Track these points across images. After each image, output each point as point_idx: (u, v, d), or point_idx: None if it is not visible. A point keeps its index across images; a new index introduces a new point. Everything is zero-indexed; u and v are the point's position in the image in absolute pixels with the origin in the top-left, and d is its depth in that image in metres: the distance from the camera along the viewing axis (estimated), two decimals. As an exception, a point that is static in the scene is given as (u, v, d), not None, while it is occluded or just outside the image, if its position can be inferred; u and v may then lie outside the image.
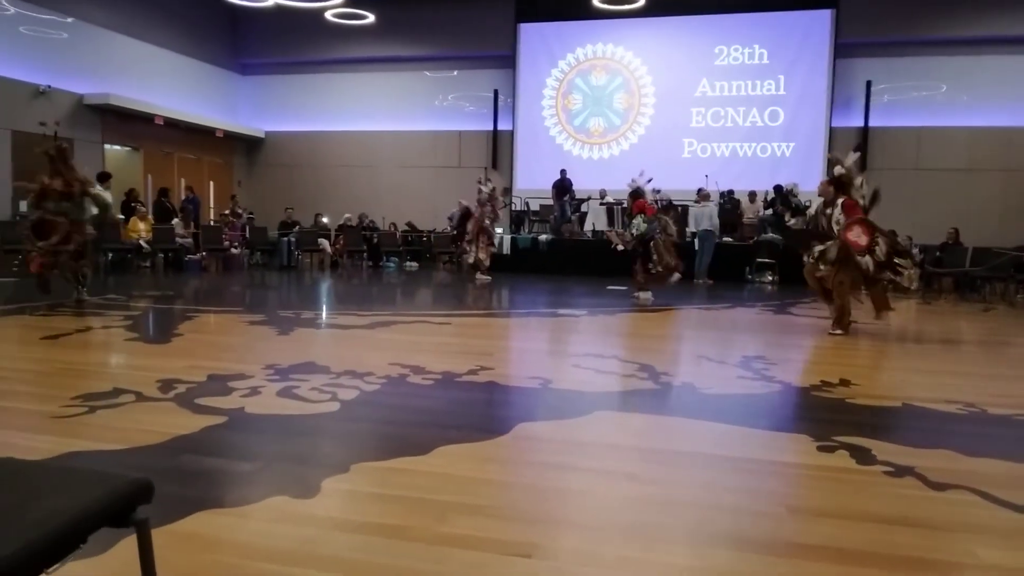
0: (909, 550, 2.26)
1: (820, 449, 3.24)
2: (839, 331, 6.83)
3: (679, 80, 16.47)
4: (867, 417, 3.88)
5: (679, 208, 13.84)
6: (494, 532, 2.29)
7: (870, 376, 5.00)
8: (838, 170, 6.95)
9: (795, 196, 13.68)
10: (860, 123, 15.74)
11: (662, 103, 16.65)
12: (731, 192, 14.70)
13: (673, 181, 15.75)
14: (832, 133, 15.72)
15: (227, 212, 15.87)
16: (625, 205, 11.75)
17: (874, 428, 3.62)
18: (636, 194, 9.96)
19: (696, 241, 12.79)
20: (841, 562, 2.16)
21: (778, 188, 13.95)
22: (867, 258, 6.59)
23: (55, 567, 1.26)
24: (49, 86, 13.70)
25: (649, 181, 10.27)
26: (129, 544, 1.84)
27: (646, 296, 9.45)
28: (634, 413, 3.87)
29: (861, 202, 6.81)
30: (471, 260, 12.33)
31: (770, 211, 13.83)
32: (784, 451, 3.24)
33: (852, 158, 7.16)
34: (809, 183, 14.47)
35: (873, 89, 15.61)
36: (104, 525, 1.36)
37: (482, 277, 12.14)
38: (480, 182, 12.51)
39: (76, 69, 14.34)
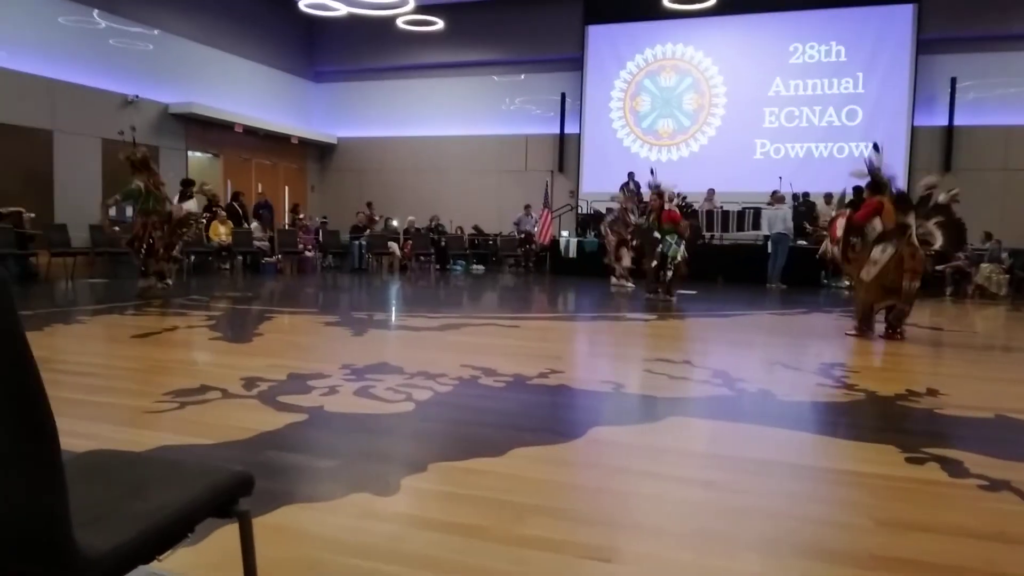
0: (1007, 567, 2.15)
1: (908, 461, 3.12)
2: (854, 333, 6.85)
3: (751, 79, 16.13)
4: (958, 428, 3.72)
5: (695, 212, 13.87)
6: (572, 535, 2.30)
7: (959, 386, 4.79)
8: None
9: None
10: (944, 122, 15.09)
11: (733, 103, 16.34)
12: (806, 194, 14.30)
13: (745, 183, 15.48)
14: (914, 132, 15.13)
15: (300, 216, 16.36)
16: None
17: (965, 440, 3.46)
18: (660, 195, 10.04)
19: (769, 244, 12.49)
20: (934, 578, 2.08)
21: (857, 189, 13.46)
22: (834, 248, 7.15)
23: (166, 554, 1.33)
24: (137, 96, 14.40)
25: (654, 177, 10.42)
26: (224, 533, 1.93)
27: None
28: (710, 419, 3.81)
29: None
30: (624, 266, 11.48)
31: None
32: (869, 462, 3.13)
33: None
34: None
35: (958, 86, 14.94)
36: (209, 516, 1.43)
37: (624, 284, 11.46)
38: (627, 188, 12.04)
39: (162, 79, 15.03)
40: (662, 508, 2.58)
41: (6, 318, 1.07)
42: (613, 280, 11.62)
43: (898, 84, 15.24)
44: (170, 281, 8.77)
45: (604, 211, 13.59)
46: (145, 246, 8.47)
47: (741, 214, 14.40)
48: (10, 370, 1.08)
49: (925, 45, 15.09)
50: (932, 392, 4.47)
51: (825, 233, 8.38)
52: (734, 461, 3.11)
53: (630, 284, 11.26)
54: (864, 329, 6.81)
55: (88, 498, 1.34)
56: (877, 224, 6.65)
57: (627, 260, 11.35)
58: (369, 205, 16.82)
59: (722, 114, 16.50)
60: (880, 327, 6.82)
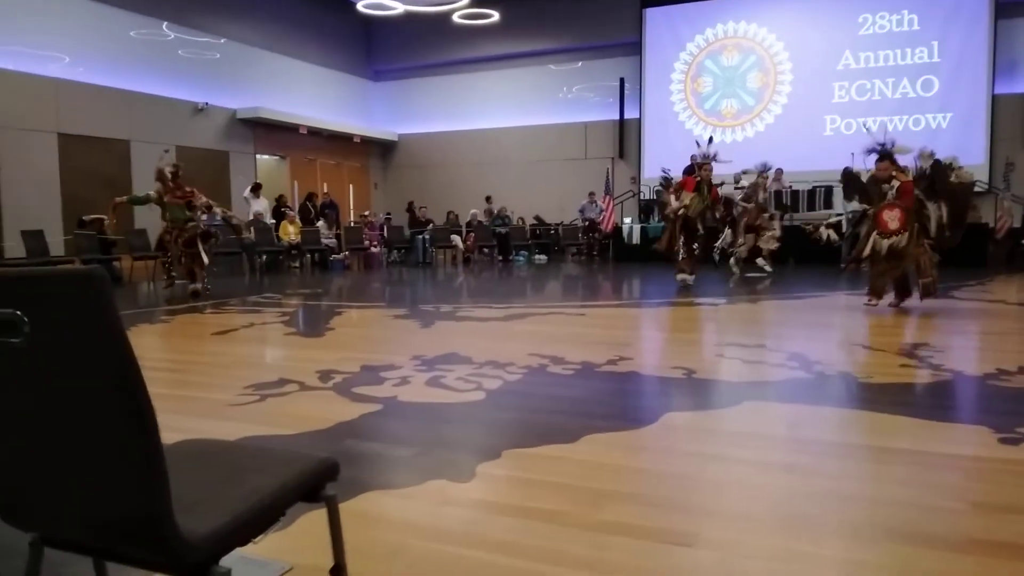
0: (1120, 553, 2.03)
1: (1002, 441, 2.97)
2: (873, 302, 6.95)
3: (819, 54, 15.59)
4: (1055, 408, 3.52)
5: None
6: (651, 520, 2.27)
7: (1054, 363, 4.53)
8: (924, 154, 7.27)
9: (954, 170, 12.58)
10: (1027, 88, 14.28)
11: (800, 79, 15.84)
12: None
13: (815, 161, 14.99)
14: (995, 101, 14.36)
15: (366, 214, 16.67)
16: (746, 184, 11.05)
17: (1065, 420, 3.28)
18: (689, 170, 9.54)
19: (844, 223, 12.04)
20: (1039, 563, 1.97)
21: (935, 163, 12.87)
22: (884, 242, 6.85)
23: (260, 538, 1.37)
24: (207, 103, 14.91)
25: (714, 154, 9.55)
26: (309, 518, 1.99)
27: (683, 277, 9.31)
28: (788, 403, 3.71)
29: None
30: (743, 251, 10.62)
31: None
32: (960, 443, 3.00)
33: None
34: (970, 156, 13.29)
35: (1042, 49, 14.11)
36: (298, 500, 1.47)
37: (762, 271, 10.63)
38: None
39: (229, 86, 15.52)
40: (743, 493, 2.52)
41: (106, 312, 1.12)
42: (734, 266, 10.65)
43: (976, 51, 14.48)
44: (199, 285, 9.10)
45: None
46: (169, 252, 9.21)
47: (812, 193, 13.95)
48: (114, 364, 1.13)
49: (1004, 8, 14.28)
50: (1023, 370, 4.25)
51: None
52: (816, 445, 3.02)
53: (768, 269, 10.52)
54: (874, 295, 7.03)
55: (185, 485, 1.39)
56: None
57: (749, 244, 10.57)
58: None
59: (788, 91, 16.01)
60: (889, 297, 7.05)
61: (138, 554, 1.29)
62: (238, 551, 1.38)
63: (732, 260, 10.66)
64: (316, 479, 1.50)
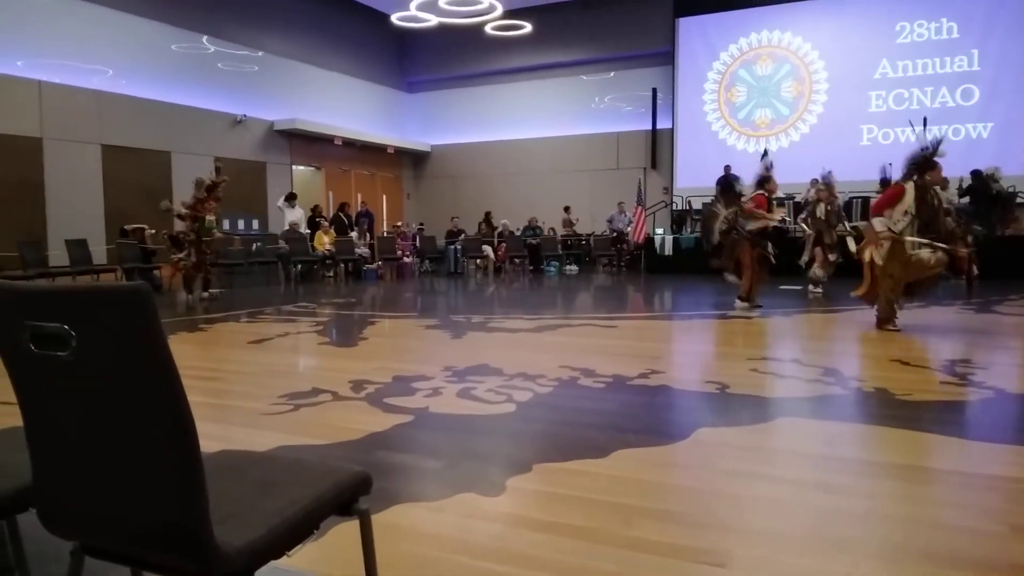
0: None
1: (1047, 463, 2.89)
2: (889, 327, 6.47)
3: (855, 62, 15.39)
4: (1103, 428, 3.42)
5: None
6: (683, 539, 2.25)
7: (1102, 382, 4.40)
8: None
9: (996, 181, 12.31)
10: (1070, 95, 13.92)
11: (836, 89, 15.64)
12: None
13: (852, 172, 14.77)
14: (1038, 109, 14.02)
15: (399, 224, 16.81)
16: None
17: (1113, 441, 3.18)
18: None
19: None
20: (1086, 591, 1.92)
21: (976, 173, 12.60)
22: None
23: (295, 550, 1.39)
24: (245, 115, 15.19)
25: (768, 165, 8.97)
26: (340, 531, 2.01)
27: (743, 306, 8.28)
28: (823, 420, 3.65)
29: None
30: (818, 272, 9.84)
31: (967, 199, 12.50)
32: (1002, 464, 2.92)
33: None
34: (1013, 166, 12.99)
35: (1088, 56, 13.75)
36: (333, 513, 1.49)
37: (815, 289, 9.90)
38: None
39: (266, 98, 15.81)
40: (777, 512, 2.49)
41: (151, 328, 1.16)
42: (811, 284, 9.98)
43: (1017, 59, 14.17)
44: (205, 294, 9.71)
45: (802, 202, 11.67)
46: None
47: (848, 204, 13.74)
48: (157, 376, 1.16)
49: (1048, 15, 13.97)
50: (1072, 389, 4.13)
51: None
52: (852, 463, 2.97)
53: (819, 289, 9.81)
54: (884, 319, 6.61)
55: (221, 496, 1.42)
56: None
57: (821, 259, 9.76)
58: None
59: (824, 100, 15.82)
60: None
61: (176, 564, 1.32)
62: (272, 563, 1.40)
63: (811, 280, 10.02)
64: (350, 492, 1.52)
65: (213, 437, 3.20)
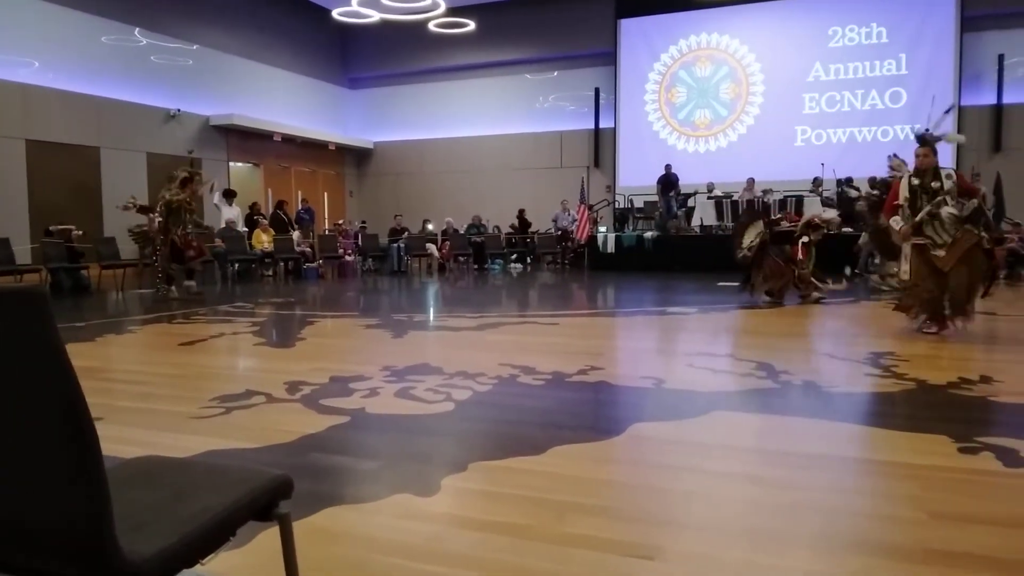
0: (1073, 561, 2.06)
1: (961, 451, 3.02)
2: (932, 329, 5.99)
3: (790, 66, 15.86)
4: (1013, 416, 3.59)
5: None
6: (614, 533, 2.27)
7: (1014, 372, 4.62)
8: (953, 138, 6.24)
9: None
10: (992, 100, 14.64)
11: (772, 91, 16.08)
12: (850, 179, 13.96)
13: (786, 171, 15.22)
14: (962, 112, 14.67)
15: (339, 222, 16.57)
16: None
17: (1021, 428, 3.34)
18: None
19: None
20: (996, 571, 2.00)
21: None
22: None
23: (209, 558, 1.35)
24: (179, 110, 14.76)
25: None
26: (268, 536, 1.96)
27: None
28: (754, 413, 3.74)
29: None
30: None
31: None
32: (921, 453, 3.03)
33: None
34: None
35: (1006, 63, 14.50)
36: (250, 519, 1.44)
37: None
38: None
39: (202, 93, 15.39)
40: (707, 505, 2.53)
41: (46, 332, 1.10)
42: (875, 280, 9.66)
43: (943, 63, 14.82)
44: (191, 283, 9.83)
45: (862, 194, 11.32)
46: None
47: (783, 203, 14.13)
48: (51, 381, 1.11)
49: (970, 22, 14.64)
50: (986, 379, 4.32)
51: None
52: (781, 456, 3.05)
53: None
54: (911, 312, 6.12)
55: (133, 503, 1.36)
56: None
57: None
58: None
59: (760, 102, 16.24)
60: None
61: (79, 575, 1.26)
62: (192, 570, 1.36)
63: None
64: (268, 497, 1.48)
65: (138, 443, 3.09)
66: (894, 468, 2.87)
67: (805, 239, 8.58)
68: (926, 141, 6.09)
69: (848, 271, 11.62)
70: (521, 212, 17.11)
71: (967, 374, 4.47)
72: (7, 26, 11.87)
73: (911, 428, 3.42)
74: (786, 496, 2.58)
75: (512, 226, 17.42)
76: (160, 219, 9.52)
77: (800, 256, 8.48)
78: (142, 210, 9.81)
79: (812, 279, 8.55)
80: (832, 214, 9.83)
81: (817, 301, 8.40)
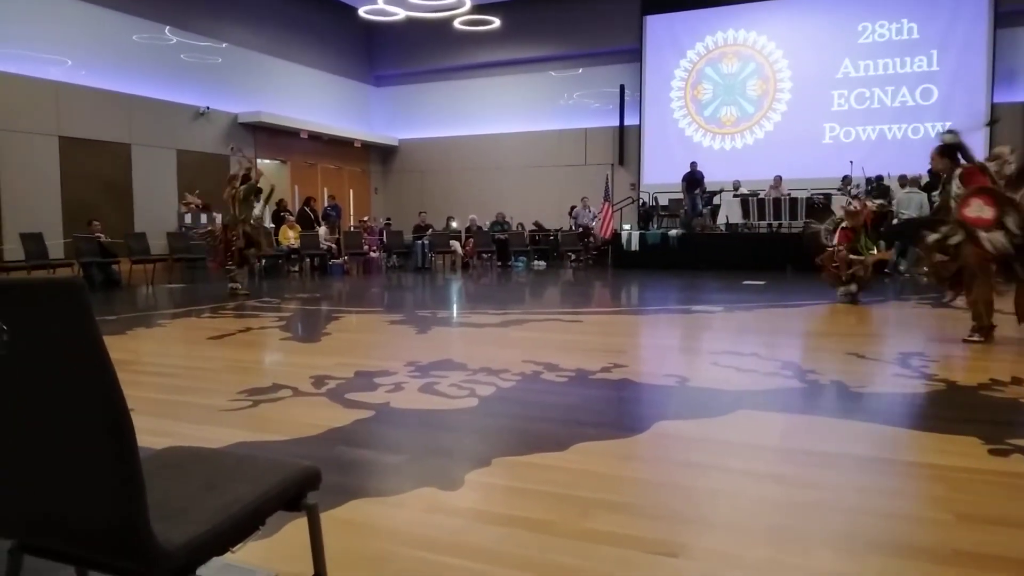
0: (1105, 566, 2.03)
1: (992, 452, 2.97)
2: (976, 338, 5.60)
3: (818, 62, 15.64)
4: (1047, 419, 3.52)
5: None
6: (638, 530, 2.27)
7: (1048, 374, 4.53)
8: (947, 138, 5.91)
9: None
10: (1027, 97, 14.31)
11: (800, 87, 15.88)
12: (880, 178, 13.74)
13: (813, 169, 15.04)
14: (994, 109, 14.37)
15: (365, 219, 16.69)
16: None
17: (1056, 431, 3.28)
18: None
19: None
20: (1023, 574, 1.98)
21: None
22: (998, 235, 5.21)
23: (238, 546, 1.38)
24: (208, 108, 14.94)
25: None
26: (295, 527, 1.99)
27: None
28: (779, 412, 3.71)
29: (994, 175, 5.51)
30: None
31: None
32: (949, 454, 3.00)
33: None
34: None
35: (1041, 58, 14.14)
36: (279, 509, 1.47)
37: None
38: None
39: (230, 90, 15.56)
40: (731, 503, 2.53)
41: (85, 322, 1.13)
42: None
43: (975, 59, 14.52)
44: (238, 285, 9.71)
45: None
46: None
47: (810, 200, 13.98)
48: (91, 371, 1.14)
49: (1004, 18, 14.33)
50: (1017, 381, 4.25)
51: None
52: (806, 455, 3.02)
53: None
54: (989, 330, 5.67)
55: (166, 493, 1.40)
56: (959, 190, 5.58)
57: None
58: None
59: (788, 99, 16.05)
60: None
61: (115, 562, 1.30)
62: (223, 558, 1.39)
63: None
64: (297, 488, 1.50)
65: (168, 434, 3.16)
66: (921, 469, 2.84)
67: (844, 224, 8.55)
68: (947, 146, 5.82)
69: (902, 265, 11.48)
70: (537, 224, 17.25)
71: (998, 375, 4.39)
72: (41, 26, 12.10)
73: (940, 429, 3.38)
74: (811, 495, 2.57)
75: (535, 223, 17.44)
76: (229, 216, 9.64)
77: (842, 242, 8.39)
78: (204, 209, 9.95)
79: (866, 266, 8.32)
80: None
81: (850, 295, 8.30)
